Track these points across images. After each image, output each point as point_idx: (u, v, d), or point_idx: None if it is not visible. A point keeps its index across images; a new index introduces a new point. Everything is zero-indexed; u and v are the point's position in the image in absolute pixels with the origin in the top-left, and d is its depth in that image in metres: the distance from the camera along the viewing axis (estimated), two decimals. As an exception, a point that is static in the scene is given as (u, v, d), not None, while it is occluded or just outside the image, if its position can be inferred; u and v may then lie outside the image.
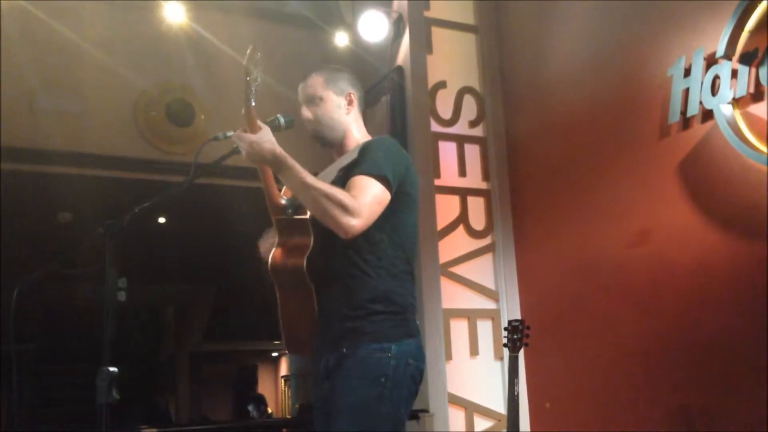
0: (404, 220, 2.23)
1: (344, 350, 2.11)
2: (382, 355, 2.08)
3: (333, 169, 2.30)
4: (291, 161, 2.02)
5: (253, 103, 2.03)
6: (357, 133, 2.38)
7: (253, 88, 2.02)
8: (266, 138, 2.02)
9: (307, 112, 2.36)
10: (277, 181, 2.18)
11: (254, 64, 2.00)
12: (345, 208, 1.99)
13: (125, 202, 2.32)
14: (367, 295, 2.13)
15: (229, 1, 5.00)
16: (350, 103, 2.38)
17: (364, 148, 2.20)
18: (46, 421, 8.41)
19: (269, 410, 10.41)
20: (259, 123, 2.06)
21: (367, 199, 2.04)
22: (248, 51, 2.01)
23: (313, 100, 2.35)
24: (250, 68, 2.00)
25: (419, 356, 2.18)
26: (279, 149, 2.01)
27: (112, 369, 1.96)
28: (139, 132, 4.81)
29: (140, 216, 2.11)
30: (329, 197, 1.99)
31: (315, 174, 2.11)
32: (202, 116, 4.95)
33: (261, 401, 10.07)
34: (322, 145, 2.38)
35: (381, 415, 2.05)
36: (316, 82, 2.37)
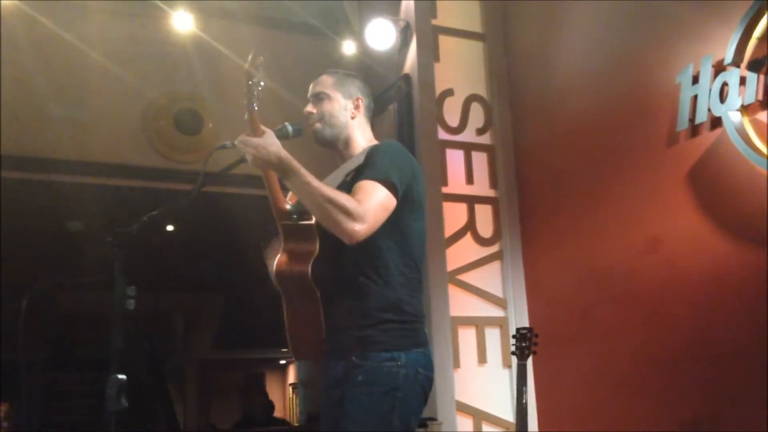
0: (412, 226, 2.22)
1: (354, 359, 2.10)
2: (392, 365, 2.07)
3: (339, 174, 2.29)
4: (296, 165, 2.01)
5: (256, 108, 2.02)
6: (361, 139, 2.37)
7: (255, 93, 2.01)
8: (271, 142, 2.01)
9: (310, 107, 2.36)
10: (282, 186, 2.17)
11: (256, 68, 2.00)
12: (349, 213, 1.97)
13: (134, 211, 2.32)
14: (376, 304, 2.12)
15: (237, 10, 5.03)
16: (357, 107, 2.37)
17: (371, 153, 2.19)
18: (56, 429, 8.43)
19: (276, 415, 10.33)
20: (263, 127, 2.05)
21: (373, 204, 2.03)
22: (250, 56, 2.01)
23: (319, 97, 2.36)
24: (252, 73, 2.00)
25: (428, 365, 2.17)
26: (284, 153, 2.00)
27: (121, 377, 1.96)
28: (147, 140, 4.82)
29: (149, 224, 2.11)
30: (334, 202, 1.97)
31: (320, 179, 2.10)
32: (210, 125, 4.96)
33: (269, 407, 10.01)
34: (320, 143, 2.37)
35: (392, 425, 2.05)
36: (326, 81, 2.39)
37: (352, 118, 2.37)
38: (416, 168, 2.26)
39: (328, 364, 2.21)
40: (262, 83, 2.02)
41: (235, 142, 2.06)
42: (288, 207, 2.21)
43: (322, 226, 2.09)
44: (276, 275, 2.19)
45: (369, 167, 2.12)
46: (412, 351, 2.12)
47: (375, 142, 2.39)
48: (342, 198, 1.99)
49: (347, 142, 2.36)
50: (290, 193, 2.24)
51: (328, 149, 2.41)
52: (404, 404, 2.08)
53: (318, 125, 2.34)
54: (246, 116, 2.03)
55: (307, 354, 2.32)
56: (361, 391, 2.07)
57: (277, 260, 2.19)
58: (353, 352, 2.10)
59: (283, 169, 2.02)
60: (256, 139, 2.01)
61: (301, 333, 2.23)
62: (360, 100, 2.39)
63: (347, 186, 2.16)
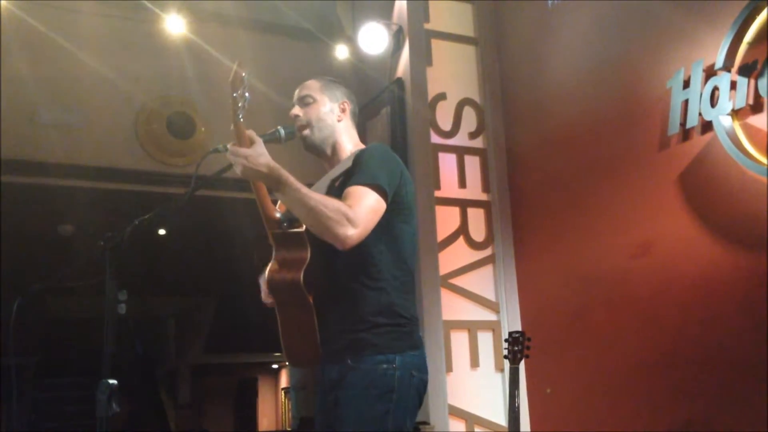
0: (403, 230, 2.22)
1: (348, 362, 2.10)
2: (387, 367, 2.07)
3: (327, 180, 2.29)
4: (285, 174, 2.00)
5: (242, 119, 2.01)
6: (349, 143, 2.38)
7: (240, 105, 2.00)
8: (260, 152, 2.00)
9: (297, 110, 2.37)
10: (271, 194, 2.17)
11: (239, 80, 1.99)
12: (340, 219, 1.97)
13: (126, 215, 2.31)
14: (370, 308, 2.12)
15: (230, 13, 5.03)
16: (343, 111, 2.39)
17: (359, 157, 2.19)
18: (46, 433, 8.40)
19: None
20: (252, 137, 2.04)
21: (363, 208, 2.03)
22: (234, 68, 2.00)
23: (306, 100, 2.37)
24: (236, 85, 1.99)
25: (423, 368, 2.17)
26: (273, 163, 2.00)
27: (112, 381, 1.96)
28: (139, 144, 4.82)
29: (141, 228, 2.11)
30: (324, 208, 1.97)
31: (309, 186, 2.10)
32: (203, 129, 4.96)
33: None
34: (308, 149, 2.38)
35: (387, 428, 2.05)
36: (313, 85, 2.40)
37: (339, 121, 2.38)
38: (404, 170, 2.27)
39: (322, 368, 2.21)
40: (247, 95, 2.01)
41: (226, 153, 2.05)
42: (278, 216, 2.21)
43: (312, 234, 2.08)
44: (268, 283, 2.19)
45: (358, 172, 2.13)
46: (407, 353, 2.12)
47: (362, 146, 2.40)
48: (333, 204, 1.99)
49: (335, 147, 2.37)
50: (279, 202, 2.23)
51: (316, 155, 2.41)
52: (399, 407, 2.08)
53: (306, 132, 2.34)
54: (232, 128, 2.02)
55: (302, 360, 2.32)
56: (356, 394, 2.07)
57: (268, 269, 2.19)
58: (348, 356, 2.11)
59: (272, 179, 2.01)
60: (246, 150, 2.00)
61: (295, 340, 2.22)
62: (346, 104, 2.41)
63: (336, 191, 2.16)
